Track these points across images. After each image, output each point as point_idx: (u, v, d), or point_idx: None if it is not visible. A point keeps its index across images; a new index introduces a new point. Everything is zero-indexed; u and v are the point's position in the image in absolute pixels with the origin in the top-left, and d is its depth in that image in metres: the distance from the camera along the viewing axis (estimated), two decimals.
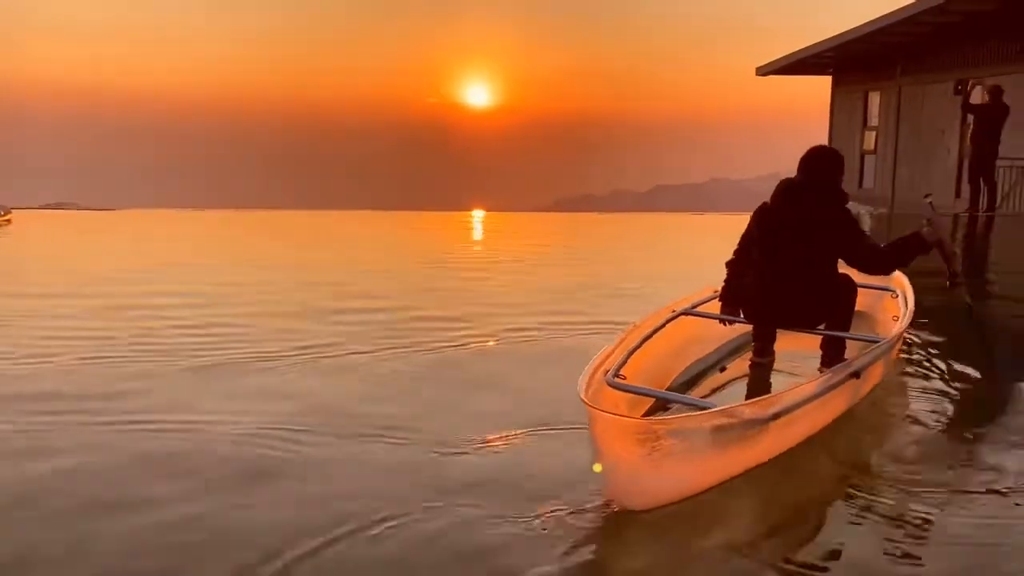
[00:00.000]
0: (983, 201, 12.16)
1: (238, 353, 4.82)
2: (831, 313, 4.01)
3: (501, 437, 3.42)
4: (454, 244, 12.26)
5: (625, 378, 3.28)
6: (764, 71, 21.96)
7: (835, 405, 3.48)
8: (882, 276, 4.33)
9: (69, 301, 6.69)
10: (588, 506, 2.71)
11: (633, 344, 3.69)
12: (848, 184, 17.02)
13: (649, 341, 3.82)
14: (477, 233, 13.99)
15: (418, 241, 12.48)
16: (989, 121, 11.81)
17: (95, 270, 8.88)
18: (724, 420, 2.79)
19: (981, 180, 12.15)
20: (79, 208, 21.08)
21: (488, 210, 18.66)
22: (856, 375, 3.51)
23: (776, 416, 2.95)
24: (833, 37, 18.10)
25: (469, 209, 16.77)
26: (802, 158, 4.01)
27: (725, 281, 4.25)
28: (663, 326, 4.08)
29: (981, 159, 12.02)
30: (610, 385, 3.13)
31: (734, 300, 4.20)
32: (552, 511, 2.69)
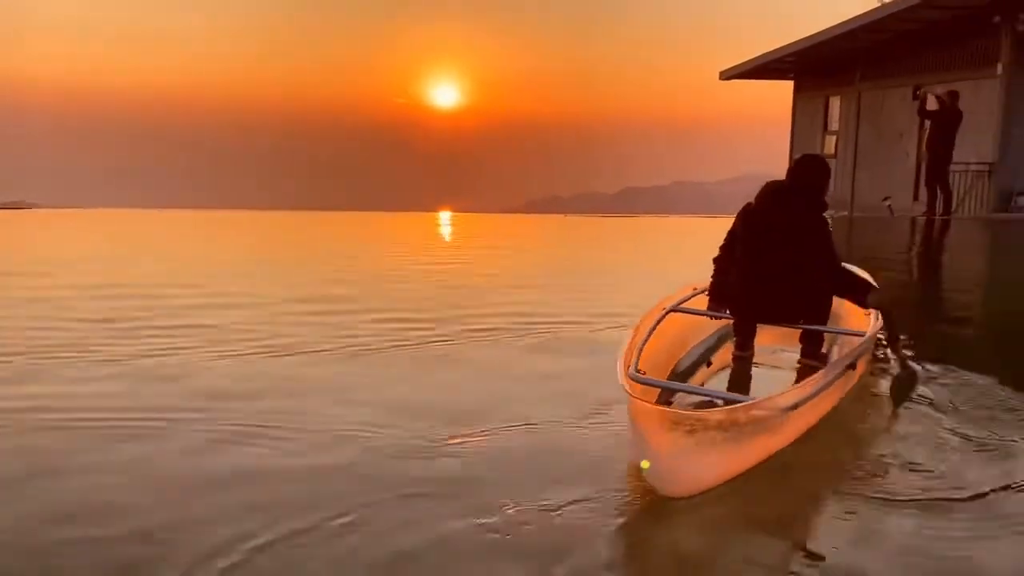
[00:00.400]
0: (939, 205, 12.42)
1: (191, 351, 4.78)
2: (814, 311, 4.17)
3: (482, 432, 3.43)
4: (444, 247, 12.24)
5: (644, 373, 3.41)
6: (727, 75, 22.23)
7: (836, 395, 3.67)
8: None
9: None
10: (591, 501, 2.78)
11: (640, 341, 3.81)
12: None
13: (650, 338, 3.95)
14: (461, 240, 13.98)
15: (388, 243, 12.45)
16: (944, 126, 12.06)
17: None
18: (758, 412, 2.96)
19: (937, 185, 12.41)
20: (38, 207, 20.74)
21: (457, 211, 18.64)
22: (852, 367, 3.72)
23: (796, 406, 3.11)
24: (795, 42, 18.39)
25: (437, 210, 16.74)
26: (793, 164, 4.22)
27: (713, 277, 4.42)
28: (659, 322, 4.19)
29: (936, 164, 12.26)
30: (634, 380, 3.22)
31: (720, 296, 4.36)
32: (559, 504, 2.74)
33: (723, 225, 4.49)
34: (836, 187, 18.88)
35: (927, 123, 12.83)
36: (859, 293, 4.22)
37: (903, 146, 16.35)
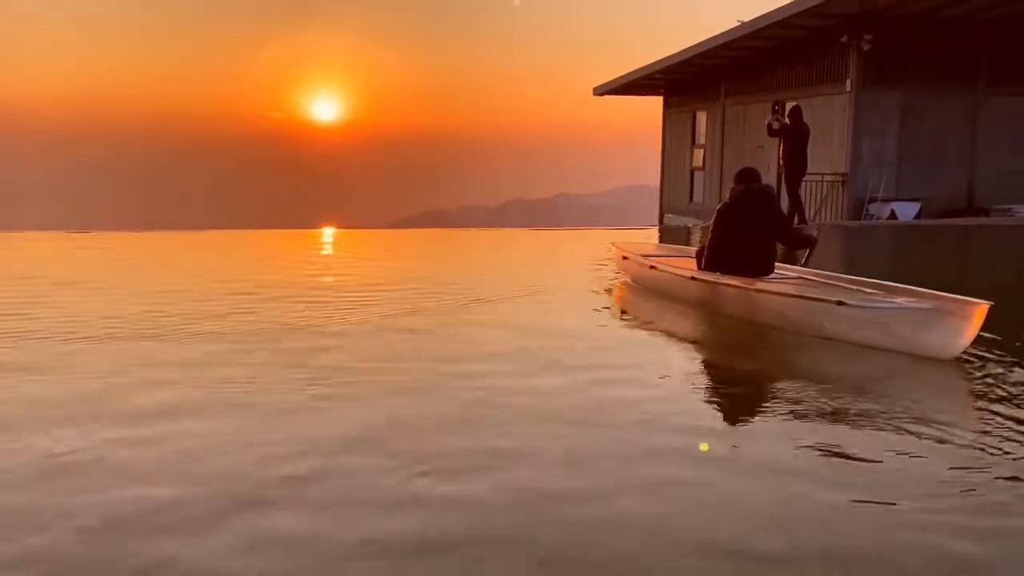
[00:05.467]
0: (795, 217, 13.04)
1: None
2: (773, 266, 6.08)
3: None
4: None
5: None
6: (601, 91, 22.85)
7: None
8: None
9: None
10: None
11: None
12: (680, 200, 17.94)
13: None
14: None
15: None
16: (791, 142, 12.60)
17: None
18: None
19: (792, 195, 13.01)
20: None
21: (340, 227, 18.30)
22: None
23: None
24: (662, 59, 19.07)
25: (319, 227, 16.38)
26: (743, 173, 6.18)
27: (707, 257, 6.12)
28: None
29: (788, 177, 12.83)
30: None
31: (715, 266, 6.02)
32: None
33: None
34: (704, 197, 19.64)
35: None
36: (806, 243, 6.40)
37: (765, 159, 17.15)
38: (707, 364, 4.94)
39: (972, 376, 4.20)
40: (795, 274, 6.12)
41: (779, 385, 4.15)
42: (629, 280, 7.33)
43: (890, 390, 4.01)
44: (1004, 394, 3.83)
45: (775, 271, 6.10)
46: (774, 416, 3.63)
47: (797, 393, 3.89)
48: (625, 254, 7.25)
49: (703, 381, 4.50)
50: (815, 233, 6.30)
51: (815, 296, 5.13)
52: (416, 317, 5.83)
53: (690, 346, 5.44)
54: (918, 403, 3.76)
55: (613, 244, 7.90)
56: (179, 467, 2.99)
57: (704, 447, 3.12)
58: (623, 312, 6.55)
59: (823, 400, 3.79)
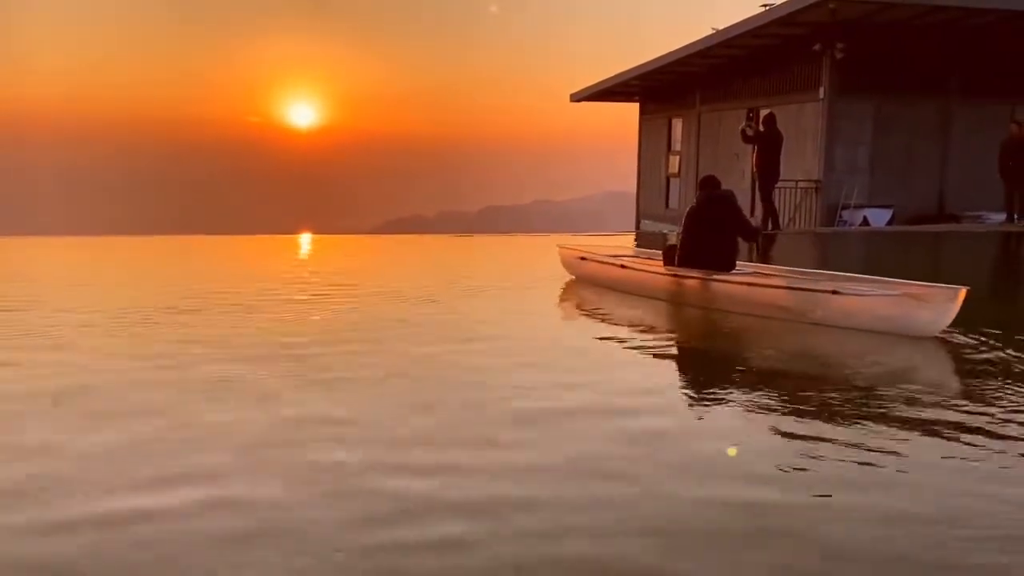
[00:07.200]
0: (769, 222, 13.14)
1: None
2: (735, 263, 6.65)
3: None
4: None
5: None
6: (577, 97, 22.91)
7: None
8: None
9: None
10: None
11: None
12: (656, 206, 17.94)
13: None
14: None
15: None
16: (764, 149, 12.70)
17: None
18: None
19: (766, 201, 13.11)
20: None
21: (316, 233, 18.13)
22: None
23: None
24: (637, 66, 19.15)
25: (298, 233, 16.26)
26: (705, 181, 6.92)
27: (679, 255, 6.58)
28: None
29: (761, 183, 12.93)
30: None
31: (686, 265, 6.53)
32: None
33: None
34: (679, 204, 19.71)
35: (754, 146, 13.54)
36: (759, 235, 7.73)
37: (739, 166, 17.25)
38: (711, 354, 5.43)
39: (953, 349, 4.93)
40: (751, 270, 6.68)
41: (777, 363, 4.94)
42: (575, 278, 7.74)
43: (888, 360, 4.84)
44: (982, 362, 4.54)
45: (736, 268, 6.65)
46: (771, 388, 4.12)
47: (790, 370, 4.65)
48: (583, 255, 7.60)
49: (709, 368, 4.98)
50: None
51: (811, 287, 5.70)
52: None
53: (694, 342, 5.84)
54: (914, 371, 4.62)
55: (559, 246, 8.21)
56: None
57: (732, 451, 3.29)
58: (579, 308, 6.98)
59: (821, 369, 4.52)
